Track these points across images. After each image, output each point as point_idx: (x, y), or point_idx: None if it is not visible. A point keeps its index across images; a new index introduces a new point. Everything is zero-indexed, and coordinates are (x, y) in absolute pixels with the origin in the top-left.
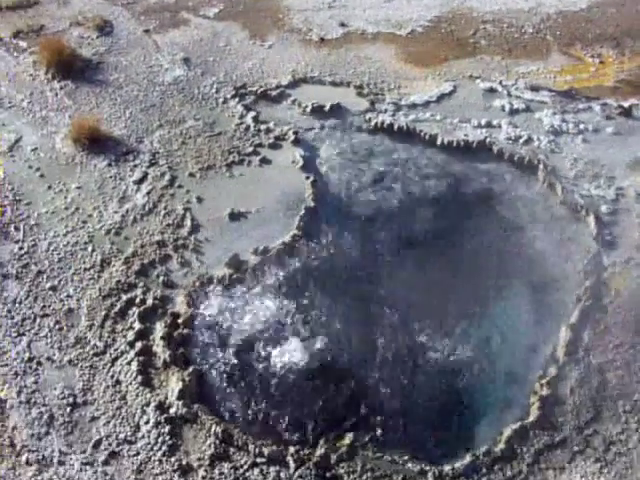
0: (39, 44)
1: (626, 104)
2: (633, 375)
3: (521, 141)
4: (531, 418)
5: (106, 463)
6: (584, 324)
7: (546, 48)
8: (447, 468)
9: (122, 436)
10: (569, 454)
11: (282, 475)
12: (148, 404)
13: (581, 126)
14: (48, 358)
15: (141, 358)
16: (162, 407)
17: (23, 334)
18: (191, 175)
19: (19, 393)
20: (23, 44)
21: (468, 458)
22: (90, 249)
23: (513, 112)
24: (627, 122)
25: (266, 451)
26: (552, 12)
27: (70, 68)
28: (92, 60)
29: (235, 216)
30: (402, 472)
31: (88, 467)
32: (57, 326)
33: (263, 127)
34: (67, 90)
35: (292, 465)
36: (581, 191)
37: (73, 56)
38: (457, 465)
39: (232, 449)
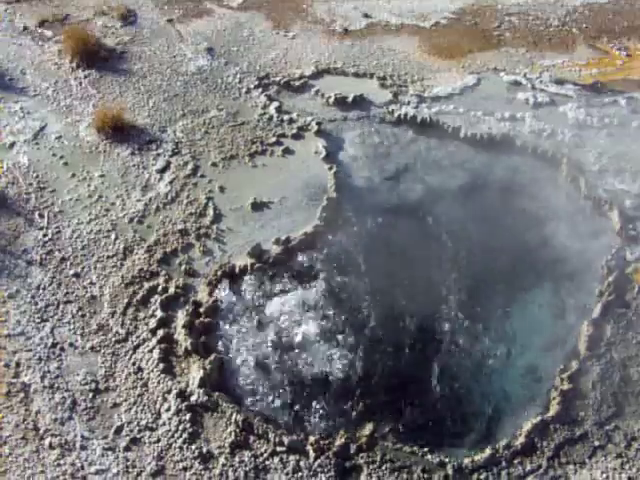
0: (64, 33)
1: None
2: None
3: (545, 135)
4: (551, 412)
5: (127, 449)
6: (606, 319)
7: (572, 41)
8: (466, 461)
9: (143, 423)
10: (590, 449)
11: (302, 464)
12: (169, 392)
13: (606, 120)
14: (71, 344)
15: (163, 346)
16: (183, 395)
17: (47, 320)
18: (214, 165)
19: (43, 378)
20: (48, 33)
21: (488, 451)
22: (113, 237)
23: (537, 105)
24: None
25: (286, 440)
26: (578, 4)
27: (94, 57)
28: (116, 49)
29: (257, 206)
30: (421, 463)
31: (110, 452)
32: (80, 313)
33: (286, 117)
34: (91, 79)
35: (312, 454)
36: (605, 185)
37: (97, 45)
38: (477, 458)
39: (252, 437)
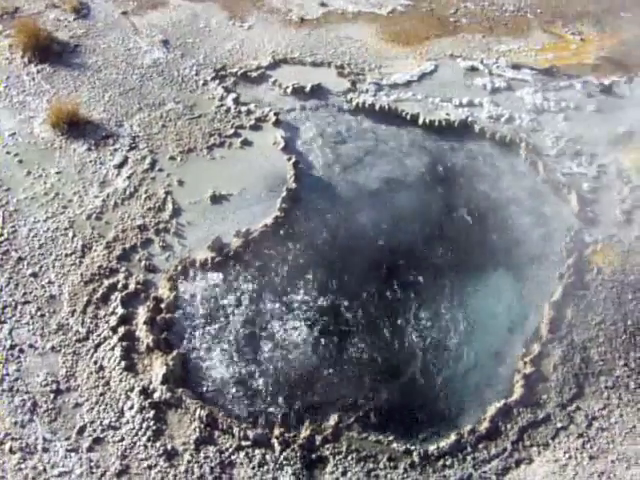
0: (14, 27)
1: (607, 81)
2: (615, 351)
3: (503, 120)
4: (515, 396)
5: (91, 449)
6: (567, 301)
7: (527, 26)
8: (432, 448)
9: (106, 422)
10: (553, 431)
11: (267, 458)
12: (132, 389)
13: (562, 104)
14: (30, 345)
15: (124, 343)
16: (146, 392)
17: (4, 322)
18: (172, 158)
19: (1, 381)
20: None
21: (453, 437)
22: (71, 234)
23: (494, 91)
24: (608, 99)
25: (251, 434)
26: None
27: (47, 51)
28: (69, 43)
29: (217, 199)
30: (387, 452)
31: (73, 453)
32: (39, 313)
33: (244, 109)
34: (44, 74)
35: (277, 448)
36: (563, 169)
37: (50, 39)
38: (442, 444)
39: (217, 433)
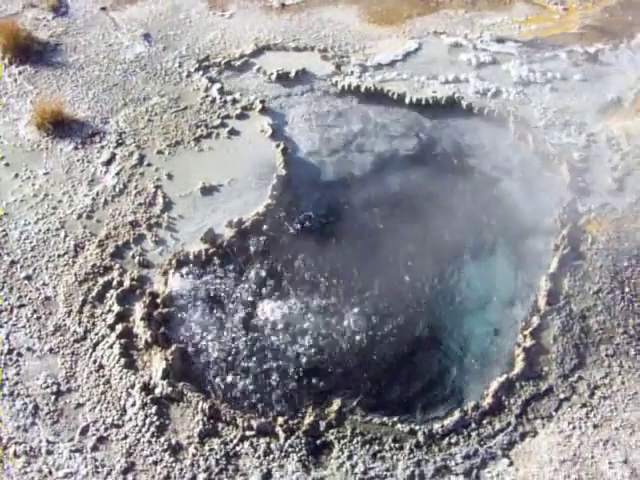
0: None
1: (592, 50)
2: (614, 319)
3: (490, 94)
4: (516, 370)
5: (95, 449)
6: (563, 272)
7: None
8: (436, 426)
9: (109, 420)
10: (556, 402)
11: (272, 446)
12: (133, 386)
13: (549, 75)
14: (28, 348)
15: (122, 340)
16: (147, 388)
17: (0, 326)
18: (160, 152)
19: (1, 386)
20: None
21: (457, 414)
22: (63, 235)
23: (480, 65)
24: (594, 67)
25: (255, 424)
26: None
27: (27, 52)
28: (49, 42)
29: (207, 190)
30: (392, 433)
31: (77, 454)
32: (35, 315)
33: (229, 98)
34: (26, 75)
35: (282, 435)
36: (552, 140)
37: (29, 39)
38: (446, 422)
39: (220, 424)
